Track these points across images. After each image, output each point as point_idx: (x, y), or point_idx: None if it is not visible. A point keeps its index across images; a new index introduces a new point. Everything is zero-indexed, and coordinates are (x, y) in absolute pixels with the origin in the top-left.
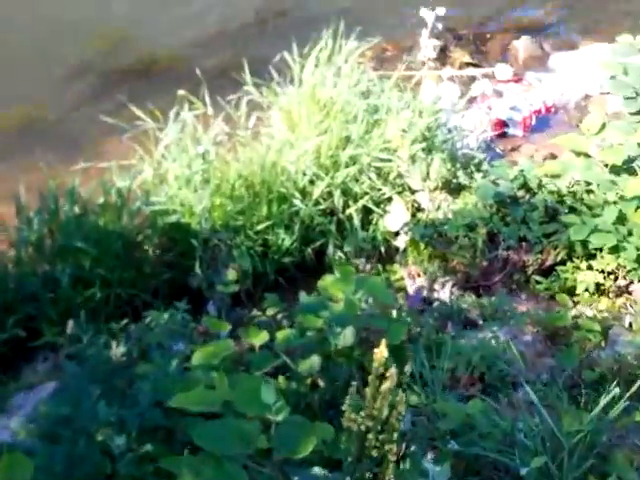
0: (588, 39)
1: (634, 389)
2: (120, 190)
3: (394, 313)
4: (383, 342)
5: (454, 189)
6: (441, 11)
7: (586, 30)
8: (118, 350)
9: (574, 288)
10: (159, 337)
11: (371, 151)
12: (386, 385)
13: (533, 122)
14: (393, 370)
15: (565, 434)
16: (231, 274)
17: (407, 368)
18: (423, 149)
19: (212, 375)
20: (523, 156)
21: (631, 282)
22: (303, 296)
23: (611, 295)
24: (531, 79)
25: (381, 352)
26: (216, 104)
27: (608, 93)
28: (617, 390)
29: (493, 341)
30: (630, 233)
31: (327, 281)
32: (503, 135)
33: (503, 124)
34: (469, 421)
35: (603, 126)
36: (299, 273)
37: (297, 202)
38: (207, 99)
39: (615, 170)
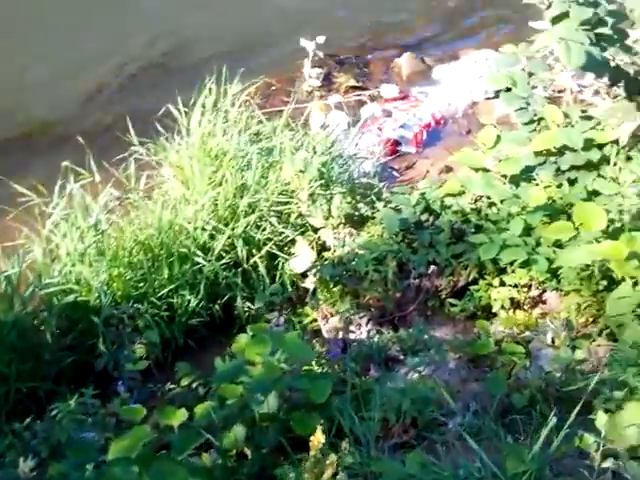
0: (467, 48)
1: (572, 418)
2: (9, 277)
3: (316, 367)
4: (319, 430)
5: (357, 222)
6: (321, 39)
7: (463, 39)
8: (27, 465)
9: (489, 306)
10: (68, 430)
11: (269, 196)
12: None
13: (424, 137)
14: (333, 457)
15: (509, 477)
16: (139, 349)
17: None
18: (321, 185)
19: (132, 469)
20: (419, 172)
21: (544, 291)
22: (218, 362)
23: (526, 307)
24: (417, 94)
25: (317, 439)
26: (102, 168)
27: (494, 98)
28: (555, 420)
29: (419, 380)
30: (538, 243)
31: (242, 343)
32: (397, 154)
33: (396, 143)
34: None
35: (498, 139)
36: (209, 332)
37: (199, 259)
38: (92, 164)
39: (514, 181)
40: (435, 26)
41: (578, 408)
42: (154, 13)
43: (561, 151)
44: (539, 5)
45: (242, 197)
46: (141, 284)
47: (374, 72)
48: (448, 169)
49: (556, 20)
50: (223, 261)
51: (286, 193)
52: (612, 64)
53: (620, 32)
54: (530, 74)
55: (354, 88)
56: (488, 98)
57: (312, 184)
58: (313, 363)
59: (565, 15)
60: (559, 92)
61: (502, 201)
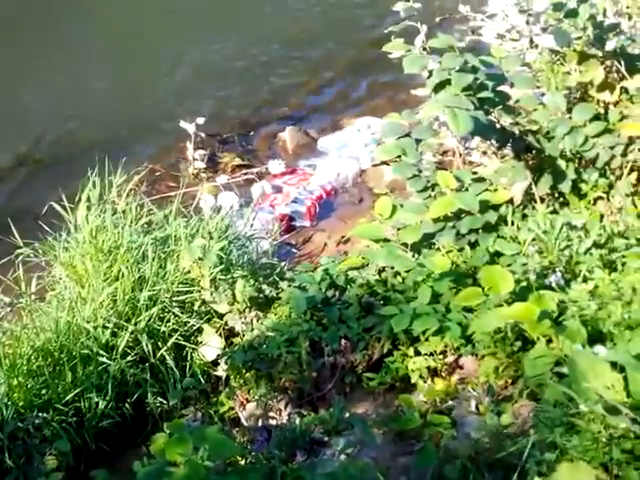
0: (349, 116)
1: None
2: None
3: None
4: None
5: (263, 304)
6: (200, 120)
7: (345, 107)
8: None
9: (407, 376)
10: None
11: (170, 286)
12: None
13: (317, 209)
14: None
15: None
16: (50, 461)
17: None
18: (222, 271)
19: None
20: (317, 245)
21: (460, 356)
22: (137, 466)
23: (444, 374)
24: (305, 167)
25: None
26: None
27: (381, 164)
28: None
29: (348, 461)
30: (448, 310)
31: (160, 442)
32: (293, 229)
33: (290, 219)
34: None
35: (394, 209)
36: (121, 433)
37: (103, 359)
38: None
39: (416, 249)
40: (315, 97)
41: (515, 476)
42: (29, 108)
43: (458, 215)
44: (420, 73)
45: (141, 290)
46: (44, 391)
47: (259, 148)
48: (346, 240)
49: (438, 88)
50: (129, 358)
51: (187, 282)
52: (498, 126)
53: (501, 94)
54: (417, 140)
55: (241, 167)
56: (375, 165)
57: (212, 270)
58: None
59: (447, 82)
60: (444, 153)
61: (407, 270)
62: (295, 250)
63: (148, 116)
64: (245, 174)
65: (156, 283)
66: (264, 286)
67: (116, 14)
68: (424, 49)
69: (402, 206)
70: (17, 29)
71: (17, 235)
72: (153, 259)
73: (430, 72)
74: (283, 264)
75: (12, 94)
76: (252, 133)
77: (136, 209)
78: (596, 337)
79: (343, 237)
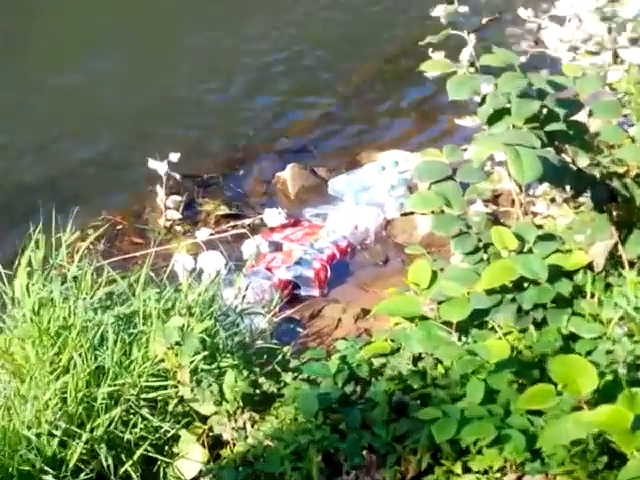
0: (369, 150)
1: None
2: None
3: None
4: None
5: (260, 403)
6: (174, 156)
7: (362, 138)
8: None
9: None
10: None
11: (136, 380)
12: None
13: (329, 274)
14: None
15: None
16: None
17: None
18: (206, 358)
19: None
20: (328, 322)
21: (523, 475)
22: None
23: None
24: (312, 217)
25: None
26: None
27: (412, 213)
28: None
29: None
30: (508, 412)
31: None
32: (297, 300)
33: (292, 286)
34: None
35: (434, 277)
36: None
37: (49, 478)
38: None
39: (464, 330)
40: (324, 124)
41: None
42: None
43: (520, 285)
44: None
45: (99, 385)
46: None
47: (251, 192)
48: (365, 313)
49: (494, 118)
50: (82, 476)
51: (159, 374)
52: (572, 168)
53: (576, 126)
54: (464, 185)
55: (227, 217)
56: (405, 214)
57: (193, 359)
58: None
59: (505, 111)
60: (497, 200)
61: (452, 359)
62: (300, 329)
63: (106, 152)
64: (233, 227)
65: (119, 375)
66: (261, 379)
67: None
68: (472, 66)
69: (443, 270)
70: None
71: None
72: (115, 344)
73: (483, 98)
74: (286, 349)
75: None
76: (242, 172)
77: (92, 276)
78: None
79: (364, 311)
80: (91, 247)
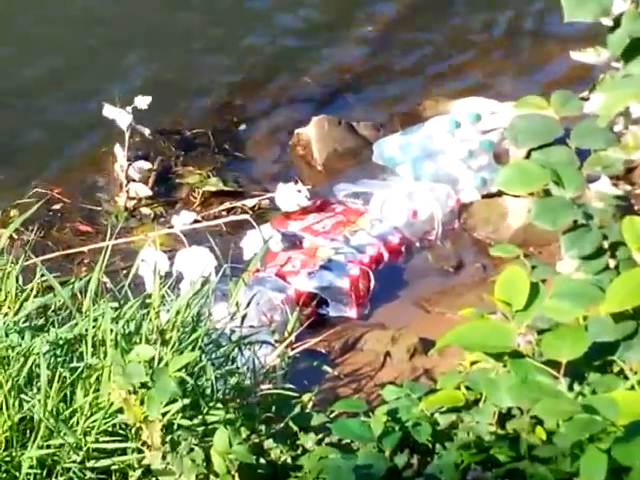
0: (436, 96)
1: None
2: None
3: None
4: None
5: (268, 477)
6: (143, 101)
7: (427, 79)
8: None
9: None
10: None
11: (81, 440)
12: None
13: (372, 285)
14: None
15: None
16: None
17: None
18: (186, 410)
19: None
20: (370, 359)
21: None
22: None
23: None
24: (347, 198)
25: None
26: None
27: (500, 195)
28: None
29: None
30: None
31: None
32: (322, 322)
33: (318, 302)
34: None
35: (535, 292)
36: None
37: None
38: None
39: (577, 374)
40: (365, 59)
41: None
42: None
43: None
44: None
45: (25, 446)
46: None
47: (257, 159)
48: (427, 345)
49: (633, 52)
50: None
51: (115, 431)
52: None
53: None
54: (583, 154)
55: (221, 196)
56: (490, 195)
57: (167, 409)
58: None
59: None
60: (630, 175)
61: (559, 419)
62: (328, 367)
63: (39, 90)
64: (229, 211)
65: (55, 432)
66: (269, 442)
67: None
68: None
69: (547, 283)
70: None
71: None
72: (50, 384)
73: (616, 19)
74: (306, 397)
75: None
76: (243, 128)
77: (17, 281)
78: None
79: (424, 343)
80: (15, 237)
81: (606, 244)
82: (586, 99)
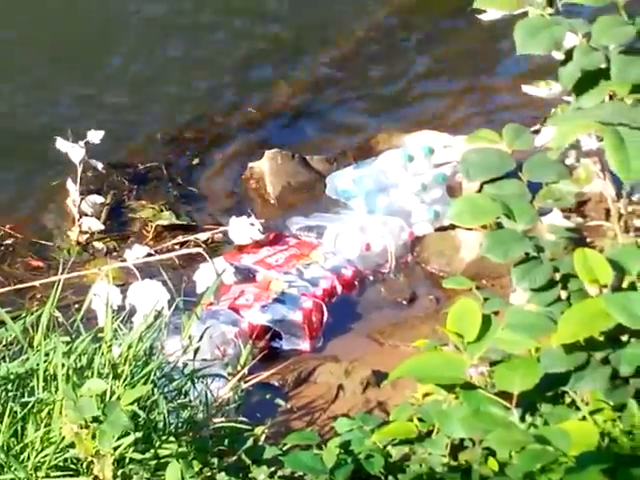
0: (388, 130)
1: None
2: None
3: None
4: None
5: None
6: (96, 135)
7: (379, 114)
8: None
9: None
10: None
11: (33, 475)
12: None
13: (325, 317)
14: None
15: None
16: None
17: None
18: (138, 443)
19: None
20: (323, 392)
21: None
22: None
23: None
24: (301, 232)
25: None
26: None
27: (453, 228)
28: None
29: None
30: None
31: None
32: (275, 355)
33: (271, 335)
34: None
35: (486, 324)
36: None
37: None
38: None
39: (529, 405)
40: (320, 92)
41: None
42: None
43: (617, 339)
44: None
45: None
46: None
47: (210, 193)
48: (379, 377)
49: (584, 85)
50: None
51: (66, 466)
52: None
53: None
54: (534, 187)
55: (173, 229)
56: (443, 229)
57: (119, 443)
58: None
59: (601, 74)
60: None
61: (512, 450)
62: (281, 400)
63: None
64: (182, 244)
65: (6, 467)
66: (221, 475)
67: None
68: (551, 6)
69: (499, 315)
70: None
71: None
72: (0, 419)
73: (567, 53)
74: (259, 430)
75: None
76: (196, 162)
77: None
78: None
79: (377, 375)
80: None
81: (557, 276)
82: (538, 132)
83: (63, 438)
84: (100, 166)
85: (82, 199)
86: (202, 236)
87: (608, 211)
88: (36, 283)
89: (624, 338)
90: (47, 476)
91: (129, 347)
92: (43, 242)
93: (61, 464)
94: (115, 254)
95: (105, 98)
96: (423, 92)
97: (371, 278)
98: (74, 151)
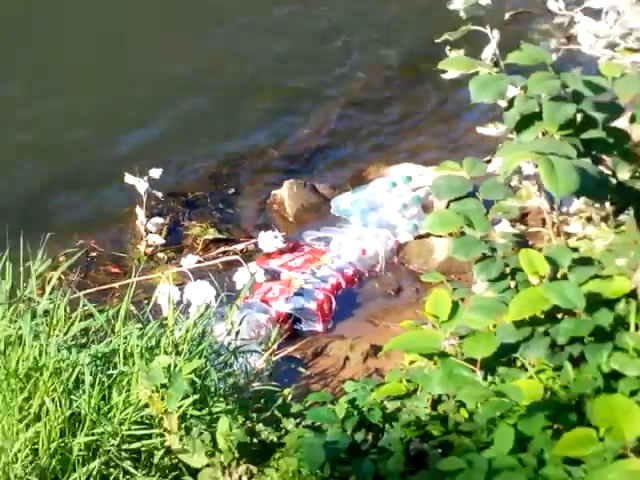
0: (377, 164)
1: None
2: None
3: None
4: None
5: (258, 454)
6: (156, 172)
7: (368, 153)
8: None
9: None
10: None
11: (117, 428)
12: None
13: (334, 306)
14: None
15: None
16: None
17: None
18: (196, 403)
19: None
20: (334, 361)
21: None
22: None
23: None
24: (313, 241)
25: None
26: None
27: (428, 236)
28: None
29: None
30: (542, 461)
31: None
32: (297, 336)
33: (293, 320)
34: None
35: (455, 308)
36: None
37: None
38: None
39: (489, 368)
40: (325, 134)
41: None
42: None
43: (554, 316)
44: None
45: (75, 435)
46: None
47: (243, 214)
48: (376, 350)
49: (523, 125)
50: None
51: (143, 421)
52: (613, 181)
53: (617, 133)
54: (488, 203)
55: (217, 242)
56: (420, 237)
57: (181, 403)
58: None
59: (536, 117)
60: (525, 219)
61: (477, 402)
62: (302, 369)
63: (79, 171)
64: (224, 253)
65: (97, 423)
66: (259, 426)
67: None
68: (496, 65)
69: (464, 301)
70: None
71: None
72: (92, 387)
73: (510, 101)
74: (286, 391)
75: None
76: (232, 190)
77: (65, 310)
78: None
79: (374, 348)
80: (63, 277)
81: (508, 270)
82: (489, 162)
83: (139, 400)
84: (160, 195)
85: (147, 220)
86: (239, 247)
87: (544, 220)
88: (115, 285)
89: (559, 316)
90: (128, 429)
91: (187, 331)
92: (119, 254)
93: (139, 420)
94: (174, 262)
95: (160, 144)
96: (403, 135)
97: (367, 275)
98: (140, 184)
